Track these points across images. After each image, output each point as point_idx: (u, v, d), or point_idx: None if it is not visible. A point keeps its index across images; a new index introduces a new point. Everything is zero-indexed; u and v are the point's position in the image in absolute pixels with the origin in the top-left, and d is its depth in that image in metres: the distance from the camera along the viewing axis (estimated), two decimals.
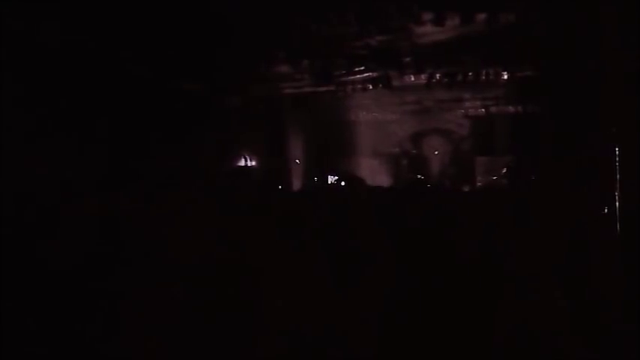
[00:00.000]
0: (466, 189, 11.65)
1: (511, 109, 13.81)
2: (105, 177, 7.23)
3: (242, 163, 13.36)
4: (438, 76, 11.89)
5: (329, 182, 13.34)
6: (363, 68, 11.96)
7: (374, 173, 13.56)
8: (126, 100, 8.65)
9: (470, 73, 11.63)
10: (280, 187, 12.04)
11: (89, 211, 2.54)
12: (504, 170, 12.96)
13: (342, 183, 12.64)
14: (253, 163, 13.54)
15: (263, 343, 1.93)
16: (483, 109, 14.56)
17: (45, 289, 1.92)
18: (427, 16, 9.15)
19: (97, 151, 7.81)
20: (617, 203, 3.72)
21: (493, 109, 14.35)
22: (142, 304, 1.91)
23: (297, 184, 13.62)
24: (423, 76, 12.09)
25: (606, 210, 3.74)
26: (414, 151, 15.68)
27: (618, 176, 3.79)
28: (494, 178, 13.27)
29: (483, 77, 11.74)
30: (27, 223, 2.36)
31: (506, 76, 11.94)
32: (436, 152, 15.35)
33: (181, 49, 9.07)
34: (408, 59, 11.14)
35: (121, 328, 1.89)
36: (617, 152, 3.87)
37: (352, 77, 12.44)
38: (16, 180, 5.86)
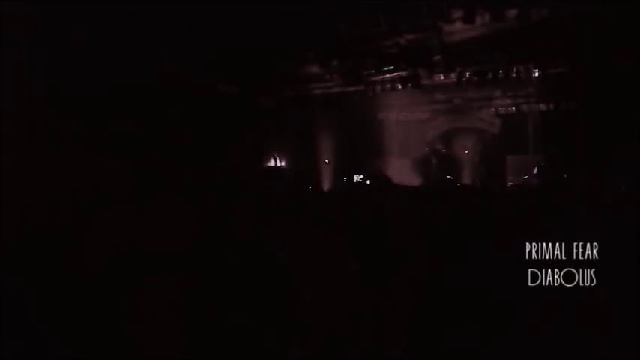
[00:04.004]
0: (497, 189, 11.52)
1: (543, 107, 13.63)
2: (138, 181, 7.31)
3: (272, 163, 13.43)
4: (468, 74, 11.78)
5: (359, 182, 13.32)
6: (392, 67, 11.93)
7: (404, 173, 13.49)
8: (159, 102, 8.76)
9: (500, 71, 11.49)
10: (310, 187, 12.06)
11: (122, 217, 2.57)
12: (536, 170, 12.78)
13: (372, 182, 12.59)
14: (284, 163, 13.61)
15: (296, 341, 1.95)
16: (514, 108, 14.42)
17: (74, 294, 1.95)
18: (457, 13, 9.10)
19: (129, 153, 7.90)
20: None
21: (524, 107, 14.19)
22: (176, 304, 1.94)
23: (327, 184, 13.64)
24: (453, 75, 12.01)
25: None
26: (444, 151, 15.58)
27: None
28: (526, 177, 13.10)
29: (514, 75, 11.58)
30: (58, 228, 2.38)
31: (537, 74, 11.77)
32: (466, 151, 15.21)
33: (215, 51, 9.17)
34: (437, 58, 11.08)
35: (152, 328, 1.92)
36: None
37: (382, 77, 12.42)
38: (46, 184, 5.95)
